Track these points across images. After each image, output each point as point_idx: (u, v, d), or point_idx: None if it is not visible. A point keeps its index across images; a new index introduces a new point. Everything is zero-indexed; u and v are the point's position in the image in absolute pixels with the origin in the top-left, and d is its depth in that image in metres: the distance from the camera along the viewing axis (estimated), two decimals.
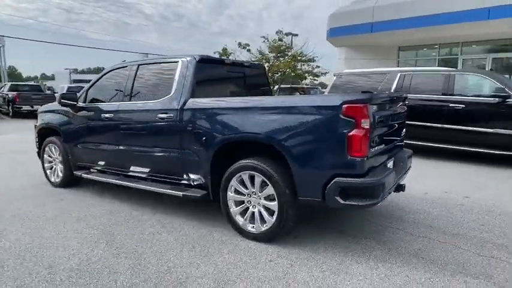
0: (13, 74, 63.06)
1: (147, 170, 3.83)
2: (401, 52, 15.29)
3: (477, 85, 6.30)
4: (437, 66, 12.93)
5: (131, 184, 3.84)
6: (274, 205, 2.90)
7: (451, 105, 6.11)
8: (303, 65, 16.74)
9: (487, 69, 12.53)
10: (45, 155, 4.94)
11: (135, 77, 3.94)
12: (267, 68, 12.99)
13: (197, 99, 3.37)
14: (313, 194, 2.74)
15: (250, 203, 3.08)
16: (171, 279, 2.49)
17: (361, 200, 2.61)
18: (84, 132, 4.38)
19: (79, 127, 4.41)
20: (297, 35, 22.14)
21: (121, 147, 3.97)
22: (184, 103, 3.38)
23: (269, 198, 2.95)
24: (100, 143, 4.21)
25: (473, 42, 13.25)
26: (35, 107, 14.61)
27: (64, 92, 4.88)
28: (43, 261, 2.76)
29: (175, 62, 3.64)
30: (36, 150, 5.18)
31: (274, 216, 2.91)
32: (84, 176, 4.39)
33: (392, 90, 6.48)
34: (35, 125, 5.17)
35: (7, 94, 16.53)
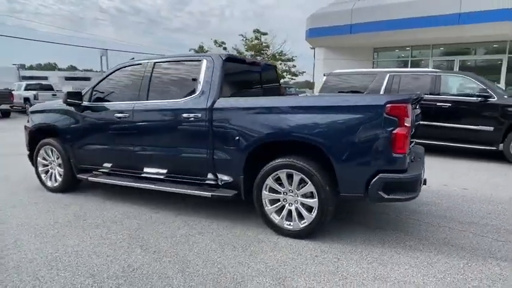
0: None
1: (164, 170, 3.72)
2: (375, 53, 15.98)
3: (462, 86, 6.83)
4: (410, 67, 13.71)
5: (152, 186, 3.69)
6: (313, 202, 2.97)
7: (438, 104, 6.57)
8: (280, 64, 17.00)
9: (455, 69, 13.51)
10: (39, 158, 4.59)
11: (151, 75, 3.80)
12: None
13: (229, 99, 3.34)
14: (355, 190, 2.85)
15: (286, 200, 3.13)
16: (227, 279, 2.47)
17: (403, 194, 2.77)
18: (90, 133, 4.14)
19: (84, 127, 4.16)
20: (266, 33, 22.44)
21: (135, 148, 3.82)
22: (213, 103, 3.33)
23: (307, 195, 3.01)
24: (110, 144, 4.00)
25: (443, 45, 14.19)
26: None
27: (70, 90, 4.57)
28: (81, 270, 2.60)
29: (198, 60, 3.58)
30: (27, 153, 4.79)
31: (314, 213, 2.98)
32: (91, 179, 4.15)
33: (382, 91, 6.82)
34: (25, 126, 4.79)
35: None
